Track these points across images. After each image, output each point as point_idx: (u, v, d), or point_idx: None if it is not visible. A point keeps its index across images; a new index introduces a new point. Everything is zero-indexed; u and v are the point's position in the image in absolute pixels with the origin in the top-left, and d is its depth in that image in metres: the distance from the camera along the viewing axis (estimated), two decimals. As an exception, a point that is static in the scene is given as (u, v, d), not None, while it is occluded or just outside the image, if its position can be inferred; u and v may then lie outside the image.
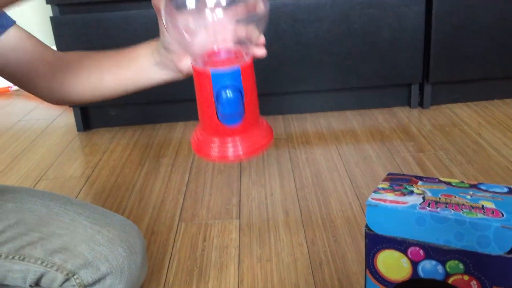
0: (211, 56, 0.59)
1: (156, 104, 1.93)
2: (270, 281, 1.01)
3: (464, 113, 1.81)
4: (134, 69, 0.78)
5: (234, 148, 0.57)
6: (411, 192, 0.66)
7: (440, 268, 0.61)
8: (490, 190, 0.66)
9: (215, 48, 0.59)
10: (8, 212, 0.81)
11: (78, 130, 1.91)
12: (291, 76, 1.83)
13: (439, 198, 0.63)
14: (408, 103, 1.93)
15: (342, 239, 1.12)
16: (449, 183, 0.69)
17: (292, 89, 1.88)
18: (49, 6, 1.78)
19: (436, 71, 1.83)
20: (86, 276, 0.78)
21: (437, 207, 0.61)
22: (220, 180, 1.44)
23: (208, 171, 1.50)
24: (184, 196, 1.36)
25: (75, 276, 0.78)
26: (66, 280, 0.79)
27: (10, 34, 0.81)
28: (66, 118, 2.06)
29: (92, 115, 1.94)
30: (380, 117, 1.83)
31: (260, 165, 1.51)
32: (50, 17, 1.76)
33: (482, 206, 0.61)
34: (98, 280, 0.79)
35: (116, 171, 1.55)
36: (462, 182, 0.70)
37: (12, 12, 0.79)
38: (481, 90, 1.91)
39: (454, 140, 1.59)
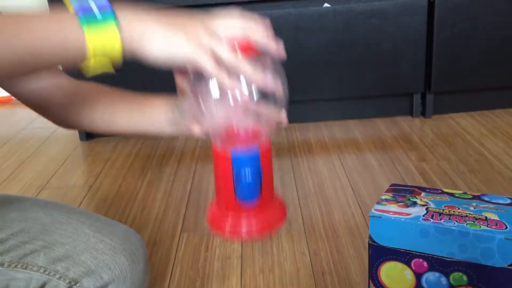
0: (230, 134, 0.61)
1: (159, 113, 1.93)
2: (272, 291, 1.01)
3: (467, 123, 1.81)
4: (147, 118, 0.80)
5: (248, 226, 0.59)
6: (414, 204, 0.66)
7: (443, 280, 0.61)
8: (493, 201, 0.66)
9: (235, 126, 0.61)
10: (11, 221, 0.81)
11: (81, 139, 1.92)
12: (293, 85, 1.82)
13: (443, 210, 0.64)
14: (410, 112, 1.93)
15: (345, 249, 1.11)
16: (452, 194, 0.69)
17: (295, 98, 1.87)
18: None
19: (438, 81, 1.83)
20: (89, 284, 0.78)
21: (441, 219, 0.61)
22: (222, 189, 1.44)
23: (210, 181, 1.49)
24: (186, 205, 1.36)
25: (77, 284, 0.78)
26: (69, 288, 0.79)
27: None
28: (68, 127, 2.06)
29: (95, 124, 1.94)
30: (382, 127, 1.83)
31: (262, 174, 1.51)
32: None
33: (486, 217, 0.61)
34: (101, 289, 0.79)
35: (118, 180, 1.55)
36: (465, 193, 0.70)
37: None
38: (483, 99, 1.91)
39: (456, 150, 1.59)
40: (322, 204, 1.32)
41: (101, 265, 0.78)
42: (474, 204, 0.65)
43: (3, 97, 2.50)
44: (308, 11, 1.74)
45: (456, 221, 0.60)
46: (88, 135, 1.93)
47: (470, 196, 0.69)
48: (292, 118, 1.91)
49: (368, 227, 1.18)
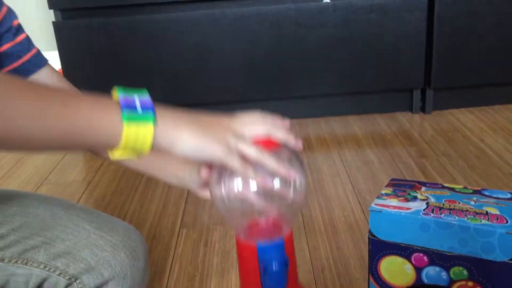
0: (254, 227, 0.65)
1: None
2: (272, 286, 1.00)
3: (466, 119, 1.81)
4: (171, 169, 0.81)
5: None
6: (415, 198, 0.66)
7: (444, 274, 0.60)
8: (494, 196, 0.66)
9: (259, 219, 0.65)
10: (12, 216, 0.81)
11: (80, 134, 1.91)
12: (293, 81, 1.83)
13: (443, 204, 0.63)
14: (410, 108, 1.92)
15: (344, 245, 1.11)
16: (452, 189, 0.69)
17: (294, 94, 1.88)
18: (51, 11, 1.79)
19: (438, 77, 1.83)
20: (89, 281, 0.78)
21: (441, 213, 0.61)
22: (221, 185, 1.44)
23: (209, 176, 1.49)
24: (186, 201, 1.36)
25: (77, 281, 0.78)
26: (69, 284, 0.79)
27: (42, 73, 0.83)
28: (67, 122, 2.05)
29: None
30: (381, 122, 1.83)
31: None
32: (53, 22, 1.76)
33: (486, 212, 0.61)
34: (101, 285, 0.79)
35: (117, 176, 1.55)
36: (466, 188, 0.69)
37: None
38: (483, 95, 1.91)
39: (456, 146, 1.59)
40: (322, 200, 1.31)
41: (101, 262, 0.78)
42: (475, 198, 0.65)
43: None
44: (308, 6, 1.74)
45: (457, 216, 0.60)
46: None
47: (471, 191, 0.68)
48: (292, 113, 1.92)
49: (367, 223, 1.18)
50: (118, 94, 0.54)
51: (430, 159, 1.51)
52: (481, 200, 0.65)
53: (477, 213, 0.60)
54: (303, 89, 1.85)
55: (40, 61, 0.83)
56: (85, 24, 1.77)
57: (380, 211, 0.63)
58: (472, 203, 0.63)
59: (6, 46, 0.79)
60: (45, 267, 0.78)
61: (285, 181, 0.61)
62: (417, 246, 0.61)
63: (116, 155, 0.55)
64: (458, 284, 0.60)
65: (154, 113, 0.54)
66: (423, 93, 1.89)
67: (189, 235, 1.20)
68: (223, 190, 0.63)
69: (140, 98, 0.55)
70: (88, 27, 1.77)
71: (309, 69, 1.81)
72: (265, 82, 1.83)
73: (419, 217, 0.60)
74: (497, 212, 0.60)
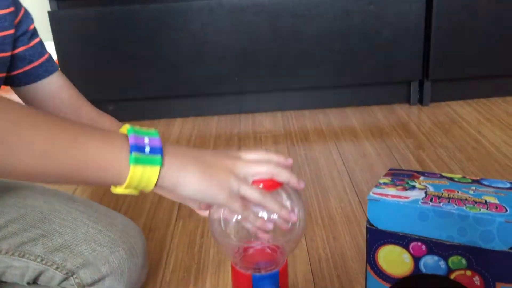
0: (251, 260, 0.67)
1: (154, 100, 1.92)
2: (269, 277, 1.00)
3: (464, 111, 1.80)
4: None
5: None
6: (413, 187, 0.65)
7: (442, 263, 0.60)
8: (493, 185, 0.66)
9: (253, 247, 0.67)
10: (9, 207, 0.80)
11: (76, 126, 1.90)
12: (291, 72, 1.82)
13: (442, 193, 0.63)
14: (407, 100, 1.92)
15: (341, 236, 1.11)
16: (451, 179, 0.68)
17: (291, 86, 1.87)
18: (47, 0, 1.77)
19: (436, 69, 1.82)
20: (86, 276, 0.78)
21: (440, 202, 0.60)
22: (218, 176, 1.43)
23: (206, 168, 1.48)
24: (182, 192, 1.35)
25: (74, 276, 0.78)
26: (65, 279, 0.78)
27: (52, 80, 0.83)
28: (63, 114, 2.04)
29: (90, 111, 1.93)
30: (379, 114, 1.82)
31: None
32: (48, 12, 1.75)
33: (485, 201, 0.60)
34: (98, 281, 0.78)
35: (113, 167, 1.54)
36: (465, 177, 0.69)
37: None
38: (480, 87, 1.91)
39: (453, 138, 1.58)
40: (319, 191, 1.31)
41: (99, 257, 0.78)
42: (474, 188, 0.65)
43: None
44: (305, -3, 1.73)
45: (456, 205, 0.59)
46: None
47: (470, 180, 0.68)
48: (289, 105, 1.91)
49: (364, 214, 1.17)
50: (128, 134, 0.54)
51: (428, 151, 1.50)
52: (480, 189, 0.64)
53: (476, 202, 0.60)
54: (300, 80, 1.84)
55: (51, 67, 0.83)
56: (82, 14, 1.76)
57: (378, 200, 0.62)
58: (471, 192, 0.63)
59: (20, 49, 0.78)
60: (42, 260, 0.77)
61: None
62: (415, 235, 0.61)
63: (118, 191, 0.55)
64: (456, 273, 0.59)
65: (162, 155, 0.55)
66: (421, 85, 1.89)
67: (185, 226, 1.19)
68: (221, 215, 0.65)
69: (150, 138, 0.55)
70: (85, 17, 1.76)
71: (307, 61, 1.81)
72: (262, 73, 1.82)
73: (418, 206, 0.60)
74: (496, 201, 0.60)
